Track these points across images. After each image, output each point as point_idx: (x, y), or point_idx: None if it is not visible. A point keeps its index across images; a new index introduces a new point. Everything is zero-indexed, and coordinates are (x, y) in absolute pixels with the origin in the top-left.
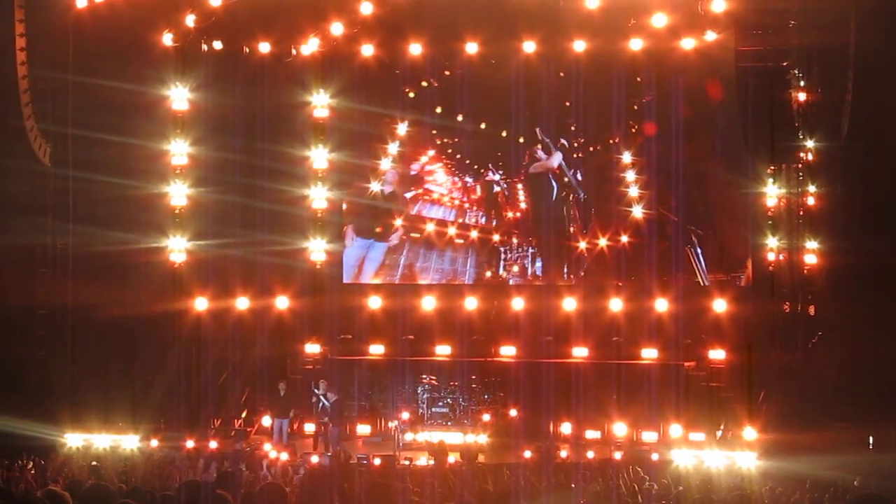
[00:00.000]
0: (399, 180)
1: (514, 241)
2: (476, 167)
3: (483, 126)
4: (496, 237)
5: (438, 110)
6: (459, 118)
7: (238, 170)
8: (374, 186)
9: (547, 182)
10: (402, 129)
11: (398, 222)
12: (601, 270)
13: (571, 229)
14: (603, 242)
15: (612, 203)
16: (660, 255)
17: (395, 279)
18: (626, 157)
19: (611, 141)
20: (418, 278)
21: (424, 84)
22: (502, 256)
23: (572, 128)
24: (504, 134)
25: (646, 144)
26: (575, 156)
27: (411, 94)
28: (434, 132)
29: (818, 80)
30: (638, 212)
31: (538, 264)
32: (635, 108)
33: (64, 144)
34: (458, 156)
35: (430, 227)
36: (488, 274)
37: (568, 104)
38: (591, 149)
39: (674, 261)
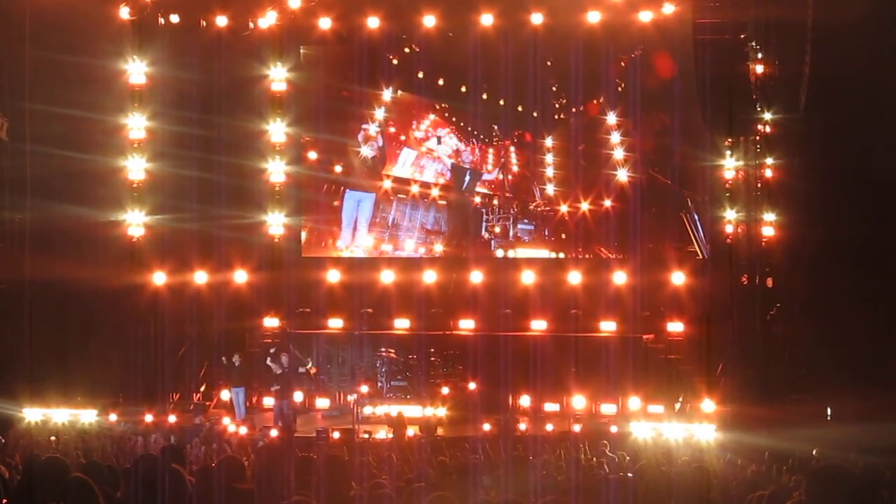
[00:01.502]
0: (389, 144)
1: (496, 202)
2: (471, 129)
3: (463, 90)
4: (477, 199)
5: (420, 75)
6: (441, 82)
7: (196, 144)
8: (365, 150)
9: (462, 172)
10: (387, 95)
11: (387, 183)
12: (586, 236)
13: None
14: (585, 206)
15: (596, 166)
16: (650, 221)
17: (385, 236)
18: (611, 118)
19: (595, 101)
20: (404, 236)
21: (407, 50)
22: (484, 218)
23: (554, 88)
24: (484, 97)
25: (632, 106)
26: (556, 117)
27: (395, 62)
28: (422, 98)
29: (776, 53)
30: (623, 175)
31: (520, 227)
32: (623, 64)
33: (20, 119)
34: (454, 118)
35: (415, 189)
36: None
37: (549, 63)
38: (574, 109)
39: (631, 227)
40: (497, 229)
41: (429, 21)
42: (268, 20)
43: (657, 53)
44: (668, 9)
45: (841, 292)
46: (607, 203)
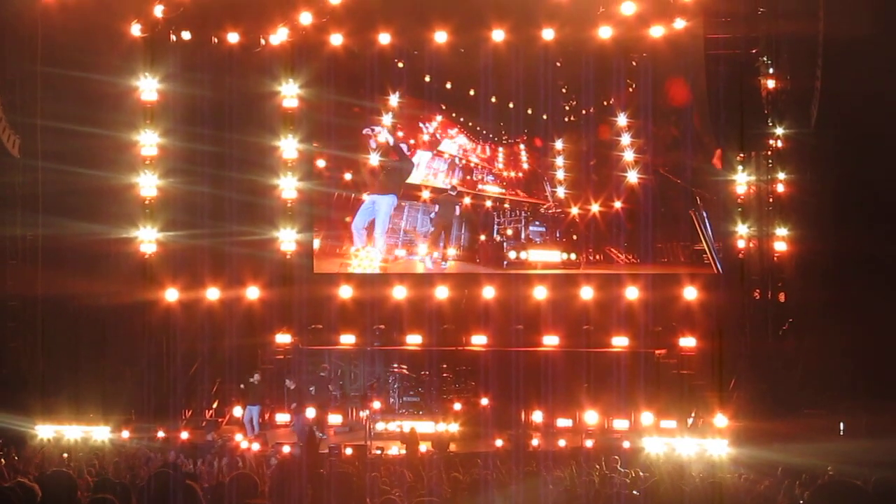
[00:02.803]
0: (402, 149)
1: (507, 205)
2: (479, 129)
3: (472, 93)
4: (488, 203)
5: (427, 79)
6: (448, 86)
7: (208, 160)
8: (374, 160)
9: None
10: (393, 100)
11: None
12: (596, 237)
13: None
14: (595, 208)
15: (606, 168)
16: (660, 221)
17: (399, 242)
18: (622, 120)
19: (605, 102)
20: (418, 241)
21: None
22: (496, 221)
23: (563, 90)
24: (493, 100)
25: (642, 106)
26: (566, 119)
27: (400, 65)
28: (429, 101)
29: (787, 68)
30: (633, 177)
31: (531, 229)
32: (634, 63)
33: (33, 136)
34: (462, 119)
35: (426, 195)
36: (482, 237)
37: (559, 64)
38: (584, 111)
39: (641, 227)
40: (509, 231)
41: (440, 37)
42: (279, 36)
43: (671, 80)
44: (680, 24)
45: (853, 306)
46: (617, 204)
